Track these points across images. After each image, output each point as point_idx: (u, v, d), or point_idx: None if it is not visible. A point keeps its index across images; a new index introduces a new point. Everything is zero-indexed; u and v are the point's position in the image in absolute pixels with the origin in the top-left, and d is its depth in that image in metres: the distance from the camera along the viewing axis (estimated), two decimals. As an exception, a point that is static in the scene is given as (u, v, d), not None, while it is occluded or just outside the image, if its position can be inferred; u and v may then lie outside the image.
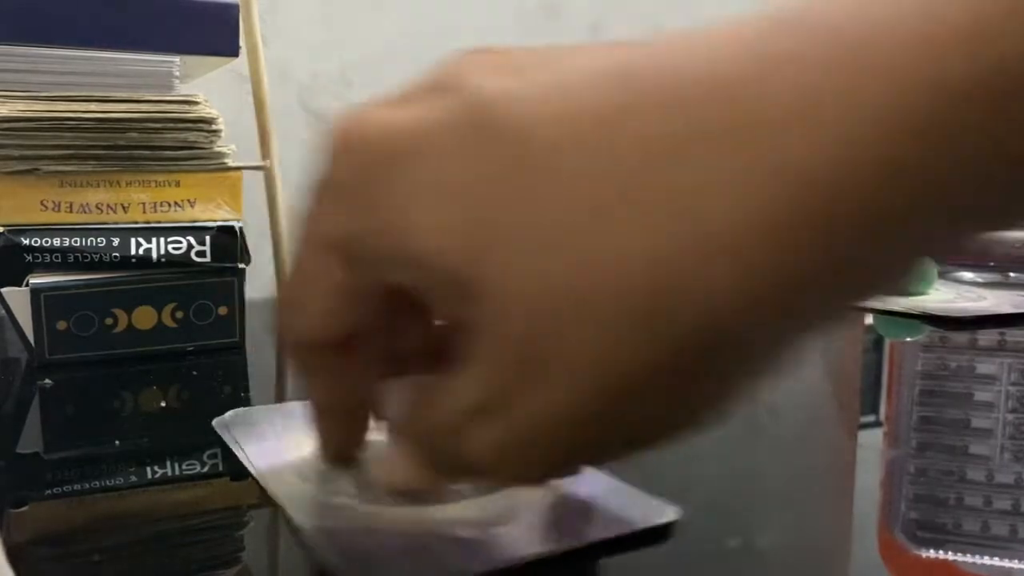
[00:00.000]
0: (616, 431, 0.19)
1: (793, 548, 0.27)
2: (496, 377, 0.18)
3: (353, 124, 0.20)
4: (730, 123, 0.16)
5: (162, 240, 0.48)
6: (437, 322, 0.24)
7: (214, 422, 0.34)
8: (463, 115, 0.18)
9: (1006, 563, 0.25)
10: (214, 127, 0.49)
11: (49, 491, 0.31)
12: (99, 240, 0.47)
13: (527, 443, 0.19)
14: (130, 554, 0.26)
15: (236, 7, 0.52)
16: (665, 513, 0.25)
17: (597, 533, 0.24)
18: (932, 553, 0.26)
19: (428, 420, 0.21)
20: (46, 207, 0.46)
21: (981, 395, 0.43)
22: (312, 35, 0.86)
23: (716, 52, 0.17)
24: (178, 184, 0.49)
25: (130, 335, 0.48)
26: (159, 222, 0.48)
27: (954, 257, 0.74)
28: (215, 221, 0.49)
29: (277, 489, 0.27)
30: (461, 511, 0.25)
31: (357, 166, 0.20)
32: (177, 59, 0.50)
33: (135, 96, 0.48)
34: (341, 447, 0.26)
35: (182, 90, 0.51)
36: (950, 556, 0.26)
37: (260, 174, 0.74)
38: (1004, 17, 0.14)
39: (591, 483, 0.26)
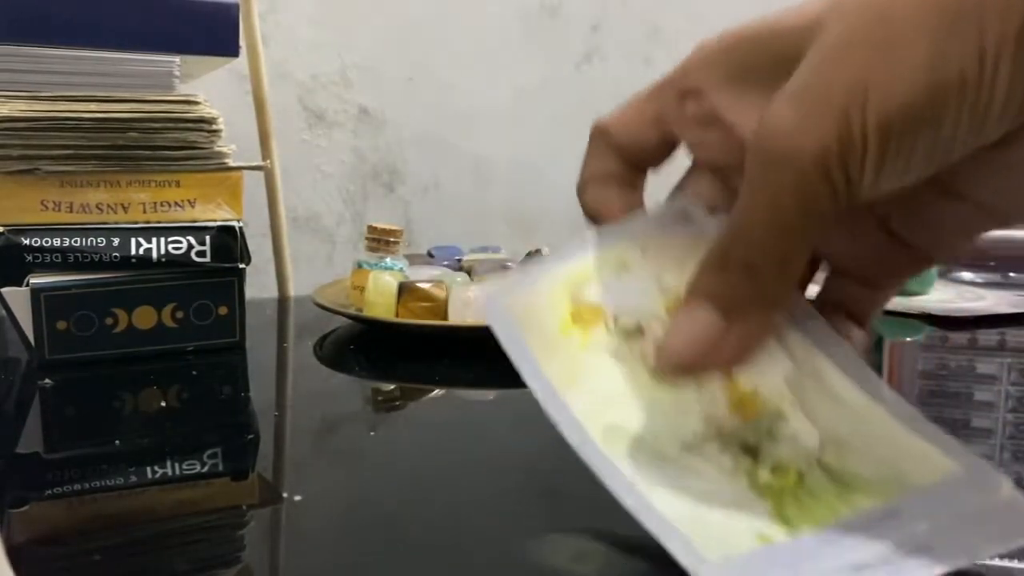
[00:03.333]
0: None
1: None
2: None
3: None
4: None
5: (162, 240, 0.48)
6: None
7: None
8: None
9: (1006, 563, 0.25)
10: (214, 127, 0.49)
11: (49, 491, 0.31)
12: (99, 240, 0.47)
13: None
14: (130, 554, 0.26)
15: (236, 7, 0.52)
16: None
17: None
18: (932, 553, 0.26)
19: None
20: (46, 207, 0.46)
21: (981, 395, 0.43)
22: (312, 35, 0.86)
23: None
24: (178, 184, 0.49)
25: (130, 335, 0.48)
26: (159, 222, 0.48)
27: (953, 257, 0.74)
28: (215, 221, 0.49)
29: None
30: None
31: None
32: (177, 59, 0.50)
33: (135, 96, 0.48)
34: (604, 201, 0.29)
35: (182, 90, 0.51)
36: (950, 556, 0.26)
37: (260, 174, 0.74)
38: None
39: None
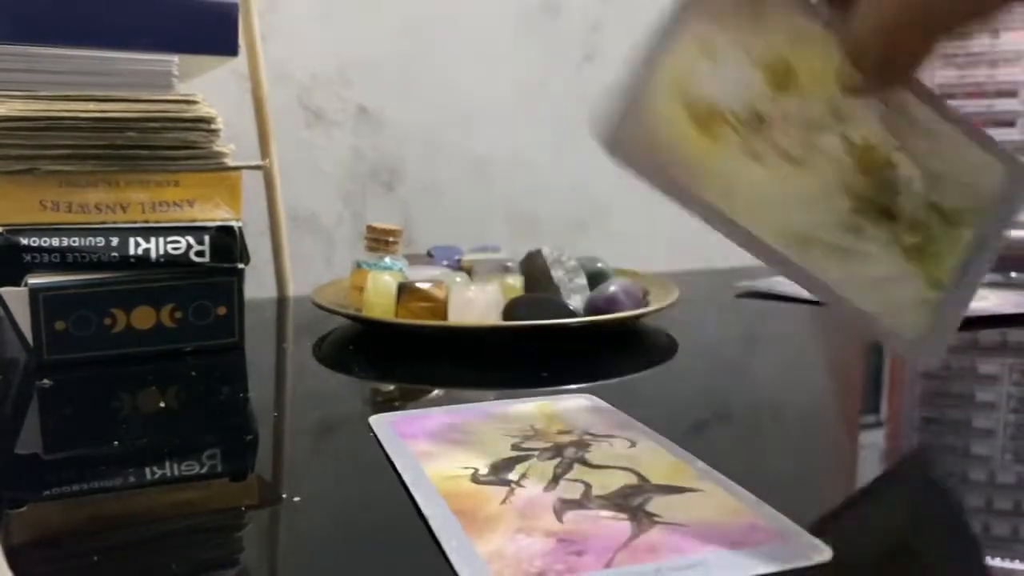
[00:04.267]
0: None
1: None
2: None
3: None
4: None
5: (161, 240, 0.48)
6: None
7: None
8: None
9: (1008, 563, 0.25)
10: (213, 126, 0.49)
11: (48, 492, 0.31)
12: (98, 240, 0.46)
13: None
14: (128, 555, 0.26)
15: (235, 6, 0.52)
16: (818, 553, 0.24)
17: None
18: (934, 554, 0.26)
19: None
20: (45, 207, 0.46)
21: (983, 395, 0.43)
22: (311, 34, 0.86)
23: None
24: (177, 184, 0.49)
25: (129, 335, 0.48)
26: (158, 222, 0.48)
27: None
28: (214, 221, 0.49)
29: None
30: None
31: None
32: (175, 58, 0.50)
33: (134, 95, 0.48)
34: None
35: (181, 89, 0.51)
36: (952, 557, 0.26)
37: (259, 173, 0.74)
38: None
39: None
